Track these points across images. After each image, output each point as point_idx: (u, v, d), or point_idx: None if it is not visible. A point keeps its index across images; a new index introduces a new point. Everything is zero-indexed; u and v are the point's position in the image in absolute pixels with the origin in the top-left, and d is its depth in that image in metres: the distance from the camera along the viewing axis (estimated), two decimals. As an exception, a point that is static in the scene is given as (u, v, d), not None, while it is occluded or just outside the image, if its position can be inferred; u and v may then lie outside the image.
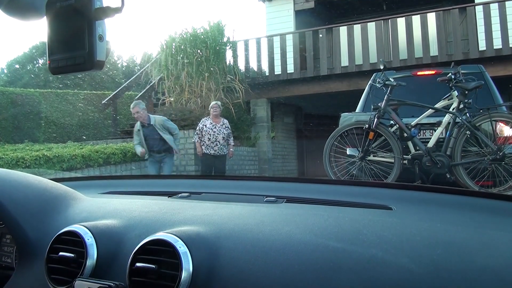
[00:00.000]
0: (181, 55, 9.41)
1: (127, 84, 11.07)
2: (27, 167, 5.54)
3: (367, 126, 4.31)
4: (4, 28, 48.36)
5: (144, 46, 45.26)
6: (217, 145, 6.98)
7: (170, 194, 1.26)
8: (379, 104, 4.36)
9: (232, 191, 1.31)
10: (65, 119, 10.83)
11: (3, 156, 5.52)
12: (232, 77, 9.84)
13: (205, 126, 7.04)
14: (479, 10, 8.99)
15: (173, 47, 9.70)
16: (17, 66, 25.74)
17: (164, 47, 9.78)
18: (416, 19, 9.18)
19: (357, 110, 5.38)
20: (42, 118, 9.78)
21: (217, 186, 1.46)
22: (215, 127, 7.03)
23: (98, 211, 1.06)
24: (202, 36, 9.62)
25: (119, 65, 29.46)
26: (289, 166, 12.07)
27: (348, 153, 4.58)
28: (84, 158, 6.20)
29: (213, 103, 7.28)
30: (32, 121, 9.43)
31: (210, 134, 6.97)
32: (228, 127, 7.20)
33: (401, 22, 9.29)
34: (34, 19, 0.77)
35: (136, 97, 10.12)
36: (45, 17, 0.74)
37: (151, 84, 10.12)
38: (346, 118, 4.73)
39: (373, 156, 4.40)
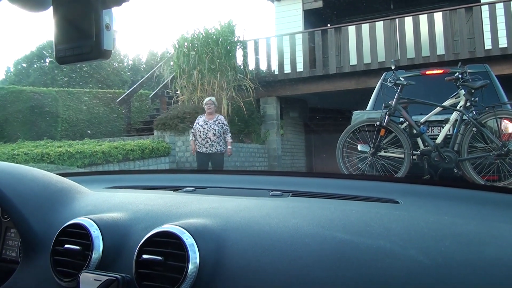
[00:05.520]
0: (193, 54, 9.63)
1: (140, 82, 11.32)
2: (51, 162, 5.80)
3: (378, 123, 4.49)
4: (13, 27, 48.74)
5: (149, 44, 45.56)
6: (207, 142, 6.73)
7: (175, 189, 1.26)
8: (390, 102, 4.57)
9: (237, 185, 1.32)
10: (80, 117, 11.09)
11: (29, 152, 5.78)
12: (242, 75, 10.04)
13: (198, 123, 6.88)
14: (485, 9, 9.12)
15: (185, 46, 9.91)
16: (24, 64, 25.96)
17: (177, 46, 10.00)
18: (423, 18, 9.34)
19: (367, 108, 5.56)
20: (59, 116, 10.06)
21: (222, 181, 1.47)
22: (207, 124, 6.80)
23: (103, 204, 1.06)
24: (214, 36, 9.83)
25: (125, 63, 29.72)
26: (298, 163, 12.31)
27: (359, 149, 4.75)
28: (104, 154, 6.45)
29: (207, 99, 7.08)
30: (50, 119, 9.71)
31: (201, 132, 6.77)
32: (222, 123, 6.90)
33: (408, 21, 9.44)
34: (40, 9, 0.74)
35: (150, 95, 10.41)
36: (51, 7, 0.73)
37: (164, 82, 10.35)
38: (358, 116, 4.93)
39: (384, 151, 4.57)
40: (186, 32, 10.03)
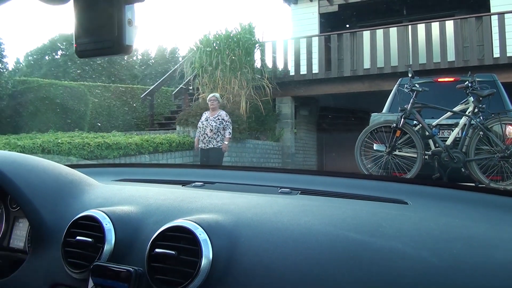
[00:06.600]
0: (215, 54, 10.07)
1: (163, 78, 11.82)
2: (91, 151, 6.30)
3: (394, 125, 4.92)
4: (26, 19, 49.34)
5: (158, 39, 45.80)
6: (205, 137, 6.91)
7: (183, 183, 1.28)
8: (405, 106, 5.00)
9: (246, 182, 1.32)
10: (99, 110, 11.52)
11: (71, 141, 6.29)
12: (260, 75, 10.42)
13: (201, 120, 7.10)
14: (494, 18, 9.48)
15: (207, 45, 10.35)
16: (35, 56, 26.18)
17: (199, 45, 10.46)
18: (435, 26, 9.67)
19: (384, 111, 6.01)
20: (88, 109, 10.57)
21: (230, 176, 1.48)
22: (207, 120, 6.96)
23: (113, 197, 1.06)
24: (235, 37, 10.26)
25: (134, 58, 29.98)
26: (310, 161, 12.77)
27: (374, 148, 5.17)
28: (137, 146, 6.96)
29: (210, 95, 7.20)
30: (79, 111, 10.24)
31: (200, 128, 7.01)
32: (222, 119, 6.95)
33: (421, 28, 9.78)
34: (60, 1, 0.72)
35: (173, 92, 10.91)
36: (72, 0, 0.72)
37: (186, 80, 10.83)
38: (376, 118, 5.40)
39: (399, 151, 5.01)
40: (209, 32, 10.48)
